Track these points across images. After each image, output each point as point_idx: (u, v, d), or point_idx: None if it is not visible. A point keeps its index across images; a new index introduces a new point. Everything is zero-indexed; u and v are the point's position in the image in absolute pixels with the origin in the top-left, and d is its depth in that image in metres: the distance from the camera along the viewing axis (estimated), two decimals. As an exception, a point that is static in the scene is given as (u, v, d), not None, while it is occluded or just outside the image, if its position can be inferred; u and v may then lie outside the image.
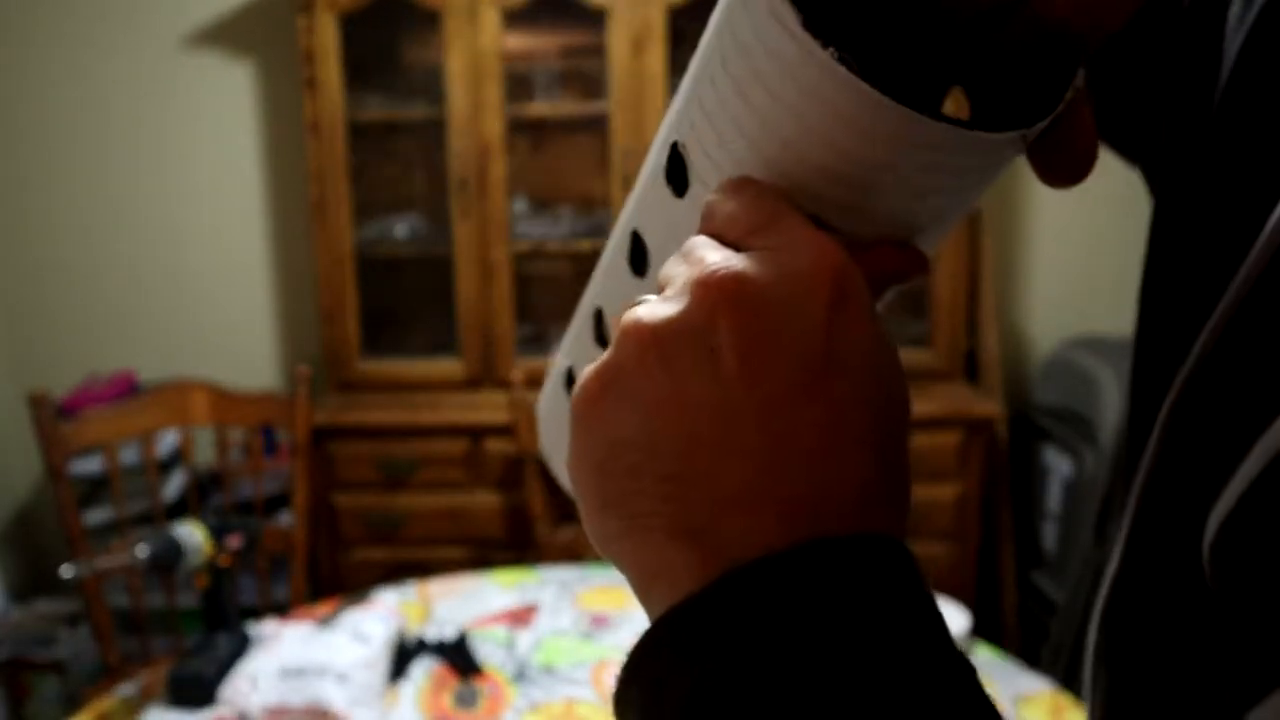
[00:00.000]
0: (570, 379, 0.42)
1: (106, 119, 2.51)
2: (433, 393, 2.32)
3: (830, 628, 0.24)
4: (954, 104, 0.27)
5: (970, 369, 2.39)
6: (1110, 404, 2.13)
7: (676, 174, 0.32)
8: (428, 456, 2.22)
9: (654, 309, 0.27)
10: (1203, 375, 0.30)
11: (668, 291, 0.28)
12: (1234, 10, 0.35)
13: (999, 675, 1.24)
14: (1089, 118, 0.29)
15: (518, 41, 2.30)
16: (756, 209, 0.28)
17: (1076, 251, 2.52)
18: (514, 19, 2.20)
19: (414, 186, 2.47)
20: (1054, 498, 2.31)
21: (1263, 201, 0.29)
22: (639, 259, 0.35)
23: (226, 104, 2.51)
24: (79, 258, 2.58)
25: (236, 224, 2.57)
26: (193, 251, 2.58)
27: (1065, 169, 0.30)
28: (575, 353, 0.42)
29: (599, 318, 0.39)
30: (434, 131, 2.28)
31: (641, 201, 0.35)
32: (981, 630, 2.32)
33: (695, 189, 0.31)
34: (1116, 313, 2.53)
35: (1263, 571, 0.24)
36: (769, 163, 0.28)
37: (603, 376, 0.28)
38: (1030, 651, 2.32)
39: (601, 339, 0.39)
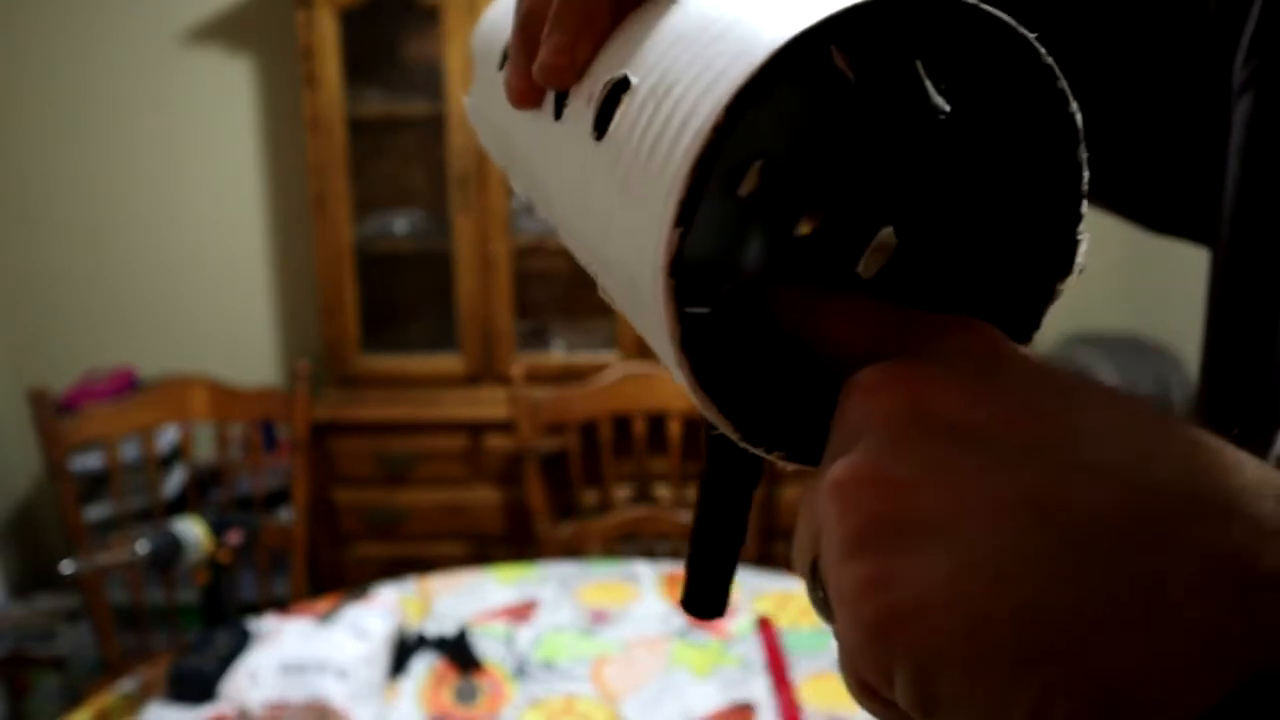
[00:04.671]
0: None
1: (106, 115, 2.51)
2: (432, 388, 2.32)
3: None
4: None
5: (970, 365, 2.39)
6: (1110, 400, 2.13)
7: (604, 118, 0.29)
8: (428, 452, 2.22)
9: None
10: None
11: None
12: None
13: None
14: None
15: (517, 37, 2.29)
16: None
17: (1077, 247, 2.51)
18: (514, 14, 2.20)
19: (413, 182, 2.47)
20: (1054, 493, 2.31)
21: None
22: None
23: (226, 100, 2.50)
24: (78, 254, 2.58)
25: (236, 220, 2.57)
26: (192, 247, 2.58)
27: None
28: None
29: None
30: (433, 127, 2.27)
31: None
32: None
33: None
34: (1117, 309, 2.53)
35: None
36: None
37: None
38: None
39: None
